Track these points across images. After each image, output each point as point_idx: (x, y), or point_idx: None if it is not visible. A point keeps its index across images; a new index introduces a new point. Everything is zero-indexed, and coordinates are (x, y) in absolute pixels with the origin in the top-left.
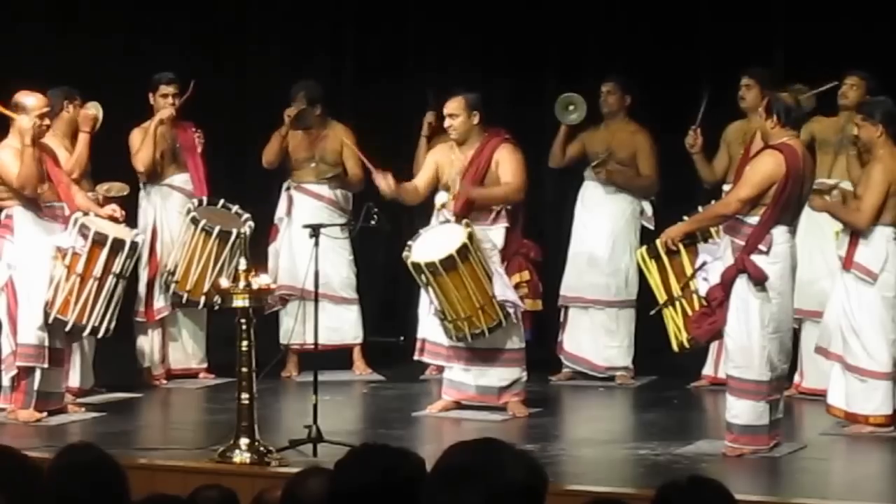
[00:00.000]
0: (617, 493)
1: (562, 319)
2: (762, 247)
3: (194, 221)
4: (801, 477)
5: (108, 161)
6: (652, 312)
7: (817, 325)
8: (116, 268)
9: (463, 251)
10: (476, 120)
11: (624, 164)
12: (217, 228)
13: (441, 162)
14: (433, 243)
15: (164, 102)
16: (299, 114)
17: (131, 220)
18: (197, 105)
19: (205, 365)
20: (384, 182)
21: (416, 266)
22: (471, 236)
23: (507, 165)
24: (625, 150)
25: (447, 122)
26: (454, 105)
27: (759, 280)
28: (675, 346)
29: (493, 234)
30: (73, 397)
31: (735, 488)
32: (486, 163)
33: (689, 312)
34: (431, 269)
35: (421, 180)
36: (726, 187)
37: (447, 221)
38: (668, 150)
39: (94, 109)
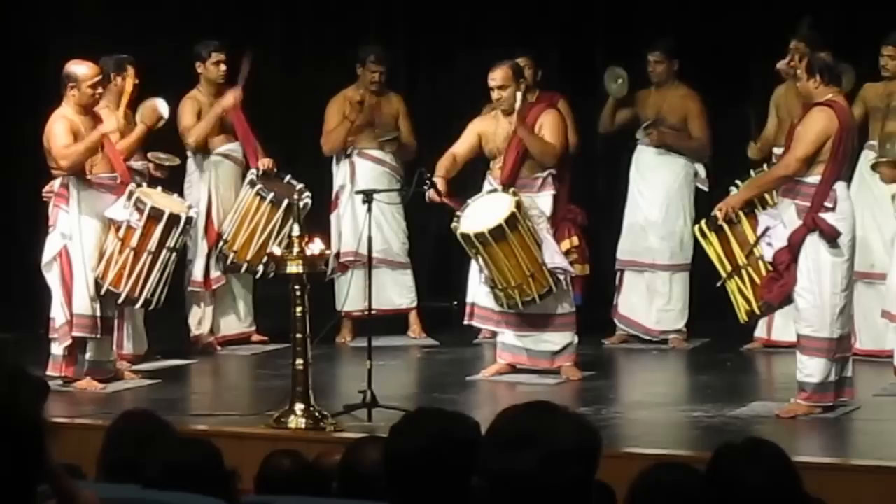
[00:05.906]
0: (672, 455)
1: (617, 283)
2: (828, 204)
3: (260, 194)
4: (856, 438)
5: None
6: (718, 284)
7: (869, 287)
8: (171, 242)
9: (512, 220)
10: (523, 87)
11: (675, 129)
12: (285, 202)
13: (485, 131)
14: (481, 213)
15: (217, 71)
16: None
17: (177, 186)
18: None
19: (254, 328)
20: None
21: (466, 237)
22: (518, 205)
23: (547, 130)
24: (675, 114)
25: (495, 95)
26: (502, 76)
27: (833, 237)
28: (743, 316)
29: (541, 202)
30: (128, 364)
31: (790, 450)
32: (531, 128)
33: (757, 280)
34: (481, 239)
35: (459, 149)
36: (777, 150)
37: (494, 190)
38: (722, 115)
39: (161, 109)
